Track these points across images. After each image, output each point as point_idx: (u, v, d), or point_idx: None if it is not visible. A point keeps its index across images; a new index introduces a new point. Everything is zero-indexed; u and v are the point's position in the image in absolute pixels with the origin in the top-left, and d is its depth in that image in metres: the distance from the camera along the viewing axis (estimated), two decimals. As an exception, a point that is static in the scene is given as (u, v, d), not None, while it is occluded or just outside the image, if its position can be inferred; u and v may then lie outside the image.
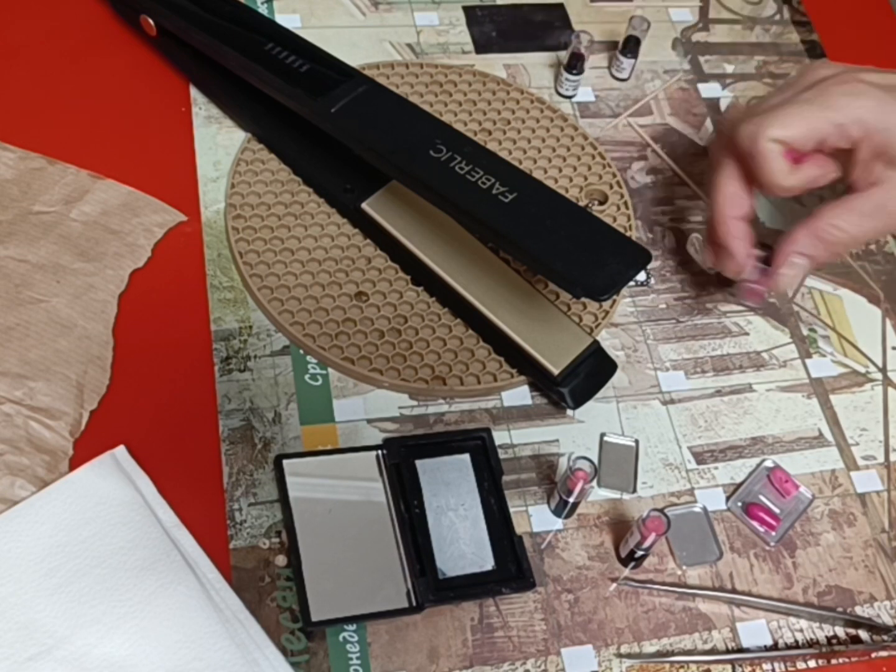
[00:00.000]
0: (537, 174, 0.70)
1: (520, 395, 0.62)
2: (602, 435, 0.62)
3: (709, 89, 0.79)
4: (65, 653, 0.49)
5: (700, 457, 0.62)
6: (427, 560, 0.55)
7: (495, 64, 0.76)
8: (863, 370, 0.67)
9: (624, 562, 0.57)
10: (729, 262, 0.62)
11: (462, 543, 0.56)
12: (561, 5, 0.81)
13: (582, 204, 0.69)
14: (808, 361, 0.67)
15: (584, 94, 0.76)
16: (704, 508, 0.60)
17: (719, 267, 0.64)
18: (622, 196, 0.70)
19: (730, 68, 0.80)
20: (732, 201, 0.61)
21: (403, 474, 0.57)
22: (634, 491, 0.60)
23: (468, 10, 0.79)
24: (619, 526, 0.59)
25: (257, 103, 0.67)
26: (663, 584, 0.57)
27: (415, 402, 0.61)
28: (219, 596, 0.52)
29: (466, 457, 0.59)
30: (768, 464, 0.62)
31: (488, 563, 0.56)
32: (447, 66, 0.74)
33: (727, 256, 0.62)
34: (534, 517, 0.58)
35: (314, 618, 0.52)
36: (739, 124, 0.59)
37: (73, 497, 0.53)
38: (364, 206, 0.64)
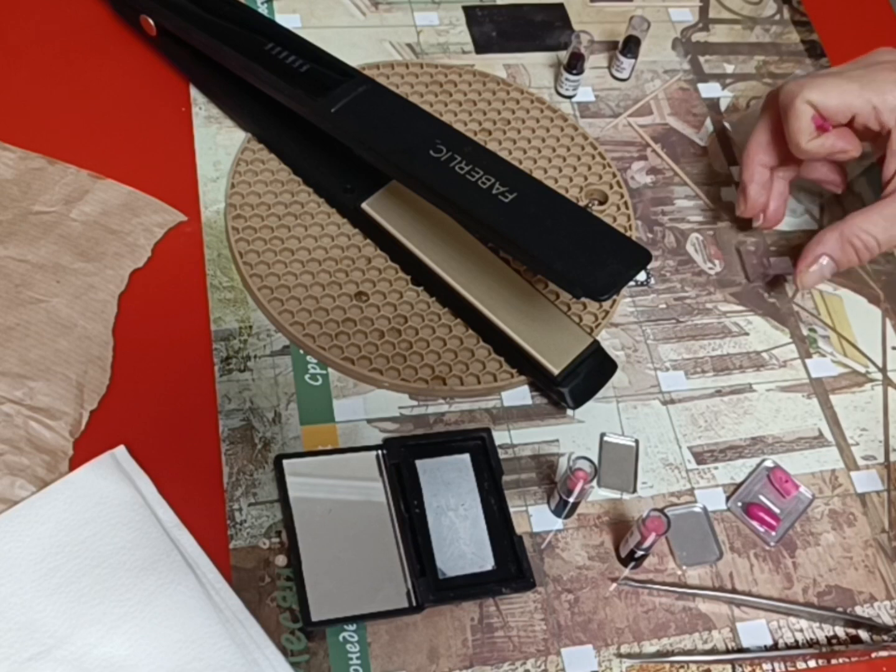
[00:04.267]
0: (537, 174, 0.70)
1: (520, 395, 0.62)
2: (602, 435, 0.62)
3: (709, 89, 0.79)
4: (65, 653, 0.49)
5: (700, 457, 0.62)
6: (427, 560, 0.55)
7: (495, 64, 0.76)
8: (863, 370, 0.67)
9: (624, 562, 0.57)
10: (742, 203, 0.68)
11: (462, 543, 0.56)
12: (561, 5, 0.81)
13: (582, 204, 0.69)
14: (808, 361, 0.67)
15: (584, 94, 0.76)
16: (704, 508, 0.60)
17: (738, 210, 0.69)
18: (622, 196, 0.70)
19: (730, 68, 0.80)
20: (760, 148, 0.66)
21: (403, 474, 0.57)
22: (634, 491, 0.60)
23: (468, 10, 0.79)
24: (619, 526, 0.59)
25: (257, 103, 0.67)
26: (663, 584, 0.57)
27: (415, 402, 0.61)
28: (219, 596, 0.52)
29: (466, 457, 0.59)
30: (768, 464, 0.62)
31: (488, 563, 0.56)
32: (447, 66, 0.74)
33: (742, 199, 0.67)
34: (534, 517, 0.58)
35: (314, 618, 0.52)
36: (787, 84, 0.63)
37: (73, 497, 0.53)
38: (364, 206, 0.64)
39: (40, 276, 0.60)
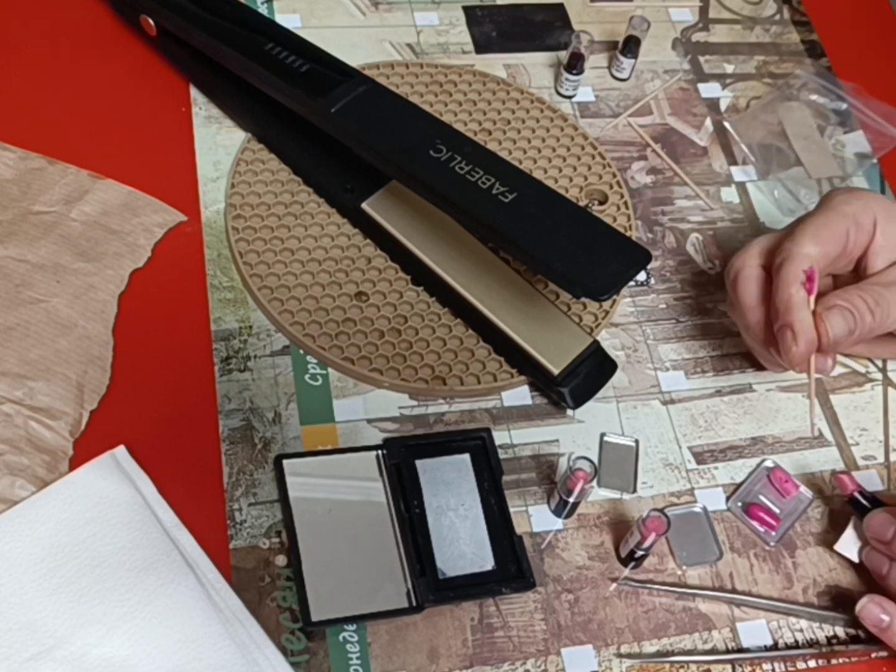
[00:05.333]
0: (537, 174, 0.70)
1: (520, 395, 0.62)
2: (602, 435, 0.62)
3: (709, 89, 0.79)
4: (65, 653, 0.49)
5: (700, 457, 0.62)
6: (427, 560, 0.55)
7: (495, 64, 0.76)
8: (863, 370, 0.67)
9: (624, 562, 0.57)
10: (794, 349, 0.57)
11: (462, 543, 0.56)
12: (561, 5, 0.81)
13: (582, 204, 0.69)
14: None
15: (584, 94, 0.76)
16: (704, 508, 0.60)
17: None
18: (622, 196, 0.70)
19: (730, 68, 0.80)
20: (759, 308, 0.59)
21: (403, 474, 0.57)
22: (634, 491, 0.60)
23: (468, 10, 0.79)
24: (619, 526, 0.59)
25: (257, 103, 0.67)
26: (663, 584, 0.57)
27: (415, 402, 0.61)
28: (219, 596, 0.52)
29: (466, 457, 0.59)
30: (768, 464, 0.62)
31: (488, 563, 0.56)
32: (447, 66, 0.74)
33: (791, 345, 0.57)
34: (534, 517, 0.58)
35: (314, 618, 0.52)
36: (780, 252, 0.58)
37: (73, 497, 0.53)
38: (364, 206, 0.64)
39: (40, 276, 0.60)
